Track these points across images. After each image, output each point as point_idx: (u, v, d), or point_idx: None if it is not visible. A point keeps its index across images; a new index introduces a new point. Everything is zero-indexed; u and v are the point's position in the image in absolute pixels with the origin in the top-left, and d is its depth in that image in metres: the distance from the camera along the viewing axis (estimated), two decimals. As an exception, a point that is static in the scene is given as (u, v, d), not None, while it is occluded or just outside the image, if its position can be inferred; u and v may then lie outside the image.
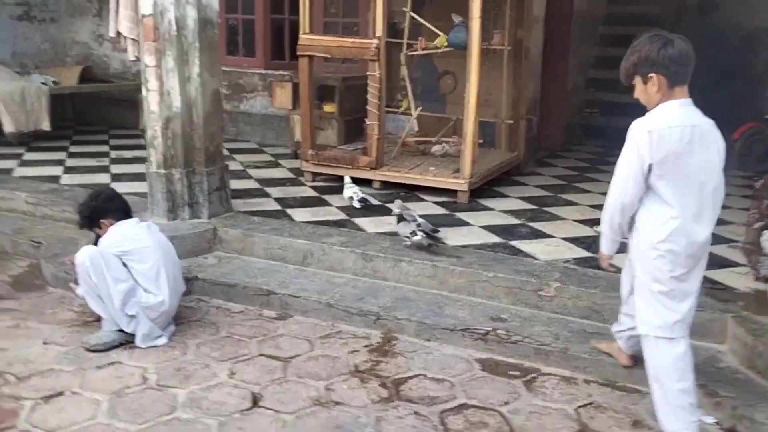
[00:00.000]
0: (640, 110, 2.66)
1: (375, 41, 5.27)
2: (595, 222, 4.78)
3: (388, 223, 4.70)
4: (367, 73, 5.44)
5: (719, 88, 9.06)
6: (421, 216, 4.34)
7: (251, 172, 6.25)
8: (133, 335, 3.40)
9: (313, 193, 5.52)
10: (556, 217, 5.07)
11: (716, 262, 4.14)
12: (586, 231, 4.71)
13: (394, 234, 4.41)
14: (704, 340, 3.41)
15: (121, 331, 3.39)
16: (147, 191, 4.64)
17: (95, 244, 3.51)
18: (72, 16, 8.60)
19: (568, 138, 8.10)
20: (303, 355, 3.39)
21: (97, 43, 8.55)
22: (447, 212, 5.10)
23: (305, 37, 5.51)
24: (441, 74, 6.71)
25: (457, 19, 5.53)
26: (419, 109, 6.01)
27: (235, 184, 5.35)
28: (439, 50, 5.74)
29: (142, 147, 4.68)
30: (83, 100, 8.36)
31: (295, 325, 3.73)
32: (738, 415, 2.84)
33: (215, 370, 3.21)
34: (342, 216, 4.87)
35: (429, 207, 5.22)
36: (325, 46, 5.53)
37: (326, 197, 5.38)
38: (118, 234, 3.43)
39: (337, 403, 2.96)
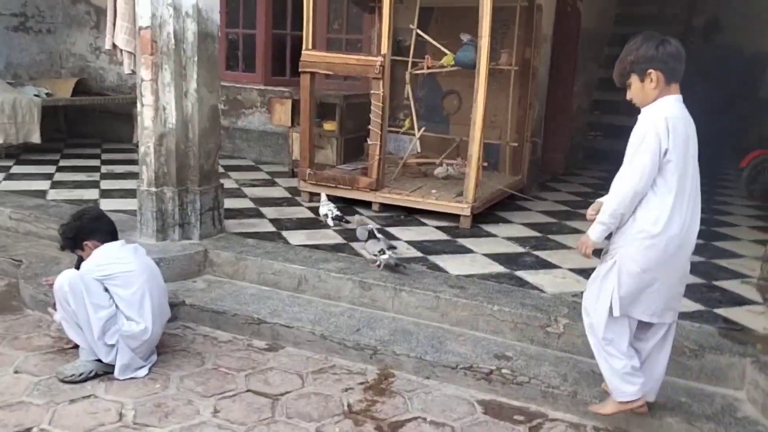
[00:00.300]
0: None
1: (380, 59, 5.09)
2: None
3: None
4: (371, 91, 5.26)
5: (725, 113, 8.92)
6: (422, 241, 4.13)
7: (246, 190, 6.05)
8: (112, 366, 3.17)
9: (310, 215, 5.31)
10: (561, 246, 4.86)
11: (730, 299, 3.94)
12: (594, 262, 4.47)
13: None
14: (720, 386, 3.20)
15: (99, 360, 3.16)
16: (136, 209, 4.43)
17: (77, 266, 3.29)
18: (69, 28, 8.46)
19: (570, 161, 7.93)
20: (294, 392, 3.15)
21: (94, 55, 8.40)
22: (448, 238, 4.89)
23: (308, 53, 5.34)
24: (445, 94, 6.54)
25: (465, 37, 5.37)
26: (423, 129, 5.83)
27: (230, 203, 5.15)
28: (446, 69, 5.57)
29: (135, 162, 4.50)
30: (77, 113, 8.22)
31: (286, 358, 3.50)
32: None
33: (198, 407, 2.98)
34: (339, 240, 4.66)
35: (430, 232, 5.02)
36: (328, 62, 5.35)
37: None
38: (102, 257, 3.21)
39: (329, 448, 2.73)
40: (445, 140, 6.32)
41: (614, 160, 2.91)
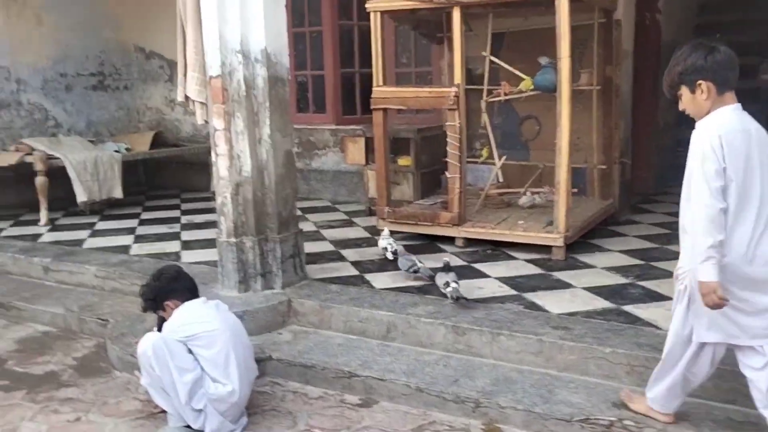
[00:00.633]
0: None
1: (454, 89, 4.89)
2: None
3: (478, 287, 4.22)
4: (446, 123, 5.05)
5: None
6: (514, 277, 3.86)
7: (325, 232, 5.92)
8: None
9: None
10: (668, 274, 4.39)
11: None
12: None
13: (485, 301, 3.95)
14: None
15: (188, 427, 3.02)
16: (217, 260, 4.35)
17: (159, 327, 3.18)
18: (144, 83, 8.68)
19: (659, 180, 7.47)
20: (393, 453, 2.92)
21: (169, 107, 8.58)
22: (542, 272, 4.57)
23: (379, 90, 5.20)
24: (523, 119, 6.26)
25: (543, 60, 5.10)
26: (504, 158, 5.56)
27: (309, 246, 5.01)
28: (524, 94, 5.30)
29: (214, 210, 4.43)
30: (156, 165, 8.38)
31: (382, 414, 3.26)
32: None
33: (294, 474, 2.78)
34: (425, 281, 4.41)
35: (520, 266, 4.70)
36: (400, 97, 5.19)
37: (406, 259, 4.94)
38: (184, 316, 3.09)
39: None
40: (526, 167, 6.02)
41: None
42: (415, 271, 4.36)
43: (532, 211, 5.50)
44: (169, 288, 3.17)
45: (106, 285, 4.89)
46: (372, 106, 5.29)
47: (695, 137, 2.49)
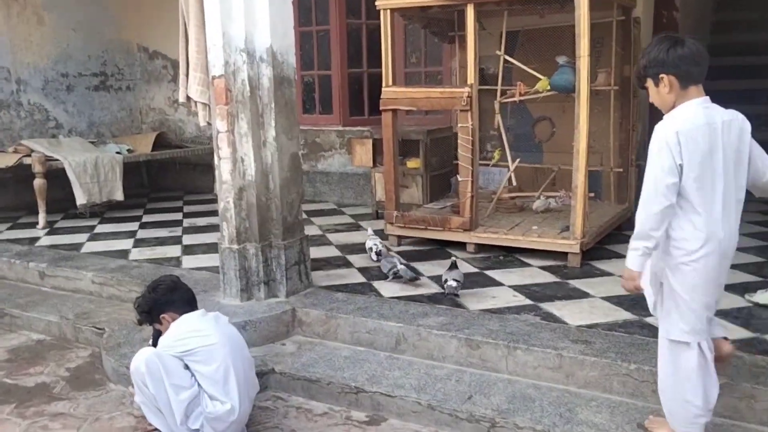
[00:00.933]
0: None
1: (467, 89, 4.69)
2: (746, 288, 3.95)
3: (492, 296, 4.02)
4: (458, 124, 4.85)
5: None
6: (529, 285, 3.66)
7: (331, 237, 5.72)
8: (198, 452, 2.83)
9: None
10: (691, 283, 4.23)
11: None
12: (736, 301, 3.85)
13: (500, 311, 3.75)
14: None
15: (184, 447, 2.83)
16: (219, 267, 4.16)
17: (154, 341, 3.00)
18: (147, 83, 8.52)
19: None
20: (403, 478, 2.72)
21: (172, 108, 8.42)
22: (558, 280, 4.36)
23: (388, 90, 5.00)
24: (536, 120, 6.05)
25: (561, 59, 4.89)
26: (518, 160, 5.36)
27: (315, 252, 4.82)
28: (540, 95, 5.10)
29: (217, 213, 4.25)
30: (158, 167, 8.23)
31: (391, 433, 3.07)
32: None
33: (296, 501, 2.59)
34: (436, 289, 4.21)
35: (535, 273, 4.50)
36: (410, 98, 5.00)
37: (415, 264, 4.73)
38: (181, 330, 2.90)
39: None
40: (539, 170, 5.82)
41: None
42: (395, 273, 4.24)
43: (546, 215, 5.30)
44: (165, 300, 2.99)
45: (104, 291, 4.71)
46: (381, 107, 5.10)
47: (654, 132, 2.48)
